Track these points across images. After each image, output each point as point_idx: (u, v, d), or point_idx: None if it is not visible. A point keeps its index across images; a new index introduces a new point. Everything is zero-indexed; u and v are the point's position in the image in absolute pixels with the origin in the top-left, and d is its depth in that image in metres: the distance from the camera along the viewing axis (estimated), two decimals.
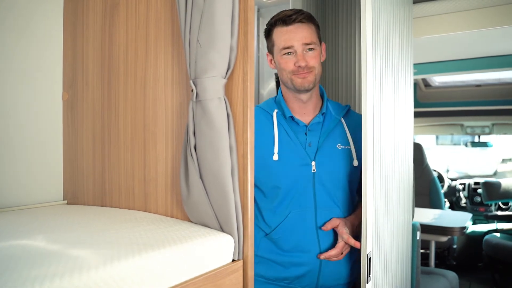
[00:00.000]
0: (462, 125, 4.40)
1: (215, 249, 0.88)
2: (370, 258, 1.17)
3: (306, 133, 1.34)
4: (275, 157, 1.29)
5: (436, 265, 3.36)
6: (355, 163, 1.35)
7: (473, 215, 3.83)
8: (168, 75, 1.05)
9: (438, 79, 4.01)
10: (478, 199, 4.25)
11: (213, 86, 0.90)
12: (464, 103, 3.95)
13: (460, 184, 4.47)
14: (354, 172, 1.36)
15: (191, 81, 0.92)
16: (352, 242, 1.24)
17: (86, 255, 0.70)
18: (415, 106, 1.88)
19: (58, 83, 1.25)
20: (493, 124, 4.23)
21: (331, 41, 1.97)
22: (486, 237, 3.40)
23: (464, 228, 2.60)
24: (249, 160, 0.94)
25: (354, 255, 1.38)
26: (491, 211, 4.09)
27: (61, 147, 1.26)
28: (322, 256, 1.27)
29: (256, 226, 1.32)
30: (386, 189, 1.32)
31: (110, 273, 0.67)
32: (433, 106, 4.09)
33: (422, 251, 3.01)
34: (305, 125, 1.34)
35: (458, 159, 5.85)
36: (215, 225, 0.94)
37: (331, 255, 1.27)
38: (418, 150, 3.83)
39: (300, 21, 1.27)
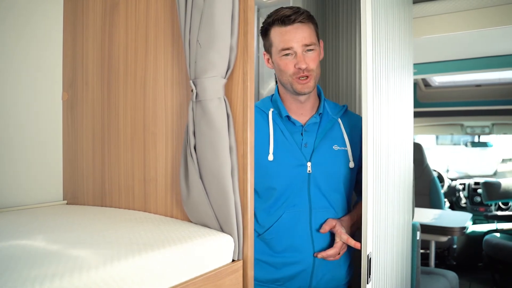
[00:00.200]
0: (462, 125, 4.40)
1: (215, 249, 0.88)
2: (370, 258, 1.16)
3: (302, 134, 1.32)
4: (270, 157, 1.28)
5: (436, 265, 3.36)
6: (351, 164, 1.33)
7: (473, 215, 3.83)
8: (168, 75, 1.05)
9: (438, 79, 4.01)
10: (478, 199, 4.25)
11: (213, 86, 0.90)
12: (464, 103, 3.95)
13: (460, 184, 4.47)
14: (350, 174, 1.35)
15: (191, 81, 0.92)
16: (352, 243, 1.24)
17: (86, 255, 0.70)
18: (415, 106, 1.88)
19: (58, 83, 1.25)
20: (493, 124, 4.23)
21: (331, 41, 1.97)
22: (486, 237, 3.40)
23: (464, 228, 2.60)
24: (249, 160, 0.94)
25: (349, 256, 1.37)
26: (491, 211, 4.09)
27: (61, 147, 1.26)
28: (319, 255, 1.26)
29: None
30: (386, 189, 1.32)
31: (110, 273, 0.67)
32: (433, 106, 4.09)
33: (422, 251, 3.01)
34: (302, 125, 1.33)
35: (458, 159, 5.85)
36: (215, 225, 0.94)
37: (328, 254, 1.26)
38: (418, 150, 3.83)
39: (299, 21, 1.25)
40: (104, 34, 1.17)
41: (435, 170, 4.33)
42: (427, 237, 2.64)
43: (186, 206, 0.97)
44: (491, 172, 5.19)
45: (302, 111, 1.35)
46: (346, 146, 1.34)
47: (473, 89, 3.88)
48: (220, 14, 0.90)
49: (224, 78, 0.93)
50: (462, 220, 2.79)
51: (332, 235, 1.30)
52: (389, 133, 1.36)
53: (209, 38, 0.90)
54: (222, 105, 0.91)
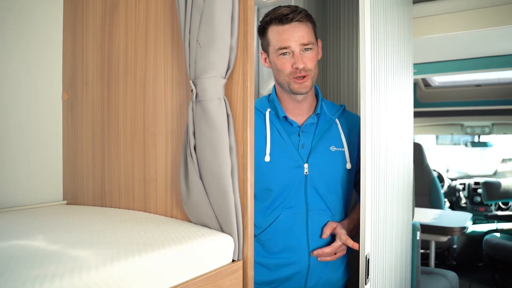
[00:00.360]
0: (462, 125, 4.40)
1: (215, 250, 0.88)
2: (368, 259, 1.16)
3: (299, 134, 1.31)
4: (267, 158, 1.27)
5: (436, 265, 3.36)
6: (348, 165, 1.32)
7: (473, 215, 3.83)
8: (168, 75, 1.05)
9: (438, 79, 4.01)
10: (478, 199, 4.25)
11: (212, 86, 0.90)
12: (464, 103, 3.95)
13: (460, 184, 4.47)
14: (347, 175, 1.34)
15: (190, 81, 0.92)
16: (351, 243, 1.23)
17: (86, 255, 0.70)
18: (415, 106, 1.88)
19: (58, 83, 1.25)
20: (493, 124, 4.23)
21: (332, 41, 1.96)
22: (486, 237, 3.40)
23: (464, 228, 2.61)
24: (249, 160, 0.94)
25: (346, 258, 1.36)
26: (491, 211, 4.09)
27: (61, 147, 1.26)
28: (315, 252, 1.26)
29: None
30: (385, 190, 1.32)
31: (110, 273, 0.67)
32: (433, 106, 4.09)
33: (422, 251, 3.01)
34: (299, 126, 1.32)
35: (458, 159, 5.85)
36: (215, 225, 0.94)
37: (324, 252, 1.25)
38: (418, 150, 3.83)
39: (297, 20, 1.23)
40: (104, 34, 1.17)
41: (435, 170, 4.33)
42: (427, 237, 2.64)
43: (186, 206, 0.97)
44: (491, 172, 5.19)
45: (299, 111, 1.34)
46: (343, 147, 1.33)
47: (473, 89, 3.88)
48: (220, 14, 0.90)
49: (224, 78, 0.93)
50: (462, 220, 2.79)
51: (329, 237, 1.29)
52: (388, 133, 1.36)
53: (209, 38, 0.90)
54: (222, 105, 0.91)
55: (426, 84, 4.04)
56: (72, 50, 1.24)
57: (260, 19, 1.33)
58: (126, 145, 1.13)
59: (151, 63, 1.08)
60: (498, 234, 3.47)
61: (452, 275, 2.35)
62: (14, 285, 0.57)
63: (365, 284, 1.15)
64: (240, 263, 0.94)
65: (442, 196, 3.88)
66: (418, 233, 1.77)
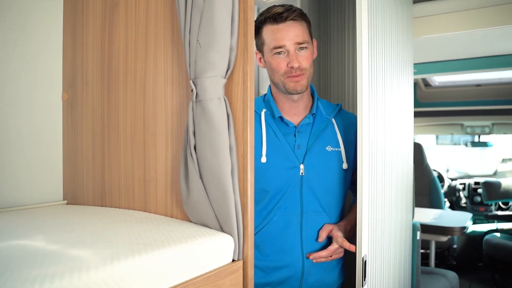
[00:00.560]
0: (462, 125, 4.40)
1: (215, 249, 0.88)
2: (365, 261, 1.15)
3: (295, 135, 1.30)
4: (263, 159, 1.26)
5: (436, 265, 3.36)
6: (345, 165, 1.31)
7: (473, 215, 3.83)
8: (168, 75, 1.05)
9: (438, 79, 4.01)
10: (478, 199, 4.25)
11: (213, 86, 0.90)
12: (464, 103, 3.94)
13: (460, 184, 4.47)
14: (343, 175, 1.32)
15: (191, 81, 0.92)
16: (347, 245, 1.22)
17: (86, 255, 0.70)
18: (415, 106, 1.88)
19: (58, 83, 1.25)
20: (493, 124, 4.23)
21: (335, 41, 1.96)
22: (486, 237, 3.40)
23: (464, 228, 2.61)
24: (249, 160, 0.94)
25: (341, 259, 1.35)
26: (491, 211, 4.09)
27: (61, 147, 1.26)
28: (311, 256, 1.25)
29: None
30: (382, 190, 1.30)
31: (110, 273, 0.67)
32: (433, 106, 4.09)
33: (422, 251, 3.01)
34: (295, 126, 1.31)
35: (458, 159, 5.85)
36: (215, 225, 0.94)
37: (320, 256, 1.24)
38: (418, 150, 3.83)
39: (292, 19, 1.22)
40: (104, 34, 1.17)
41: (435, 170, 4.33)
42: (427, 237, 2.64)
43: (186, 206, 0.97)
44: (491, 172, 5.19)
45: (295, 111, 1.33)
46: (339, 147, 1.32)
47: (473, 89, 3.88)
48: (220, 14, 0.90)
49: (224, 78, 0.93)
50: (462, 220, 2.79)
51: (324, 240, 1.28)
52: (386, 132, 1.35)
53: (209, 38, 0.90)
54: (222, 105, 0.91)
55: (426, 84, 4.04)
56: (72, 50, 1.24)
57: None
58: (126, 145, 1.13)
59: (151, 63, 1.07)
60: (498, 234, 3.47)
61: (452, 275, 2.35)
62: (14, 285, 0.57)
63: (362, 286, 1.13)
64: (240, 263, 0.94)
65: (442, 196, 3.88)
66: (418, 233, 1.77)
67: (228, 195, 0.90)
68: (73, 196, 1.24)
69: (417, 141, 4.44)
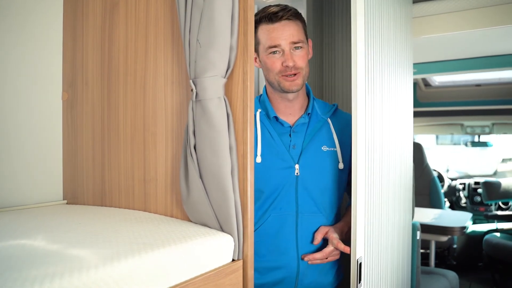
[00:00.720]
0: (462, 125, 4.40)
1: (215, 249, 0.88)
2: (360, 263, 1.13)
3: (290, 135, 1.30)
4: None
5: (436, 265, 3.36)
6: (341, 165, 1.30)
7: (473, 215, 3.83)
8: (168, 74, 1.05)
9: (438, 79, 4.01)
10: (478, 199, 4.25)
11: (213, 86, 0.90)
12: (464, 103, 3.95)
13: (460, 184, 4.47)
14: (339, 175, 1.31)
15: (190, 81, 0.92)
16: (342, 247, 1.21)
17: (86, 255, 0.70)
18: (415, 106, 1.88)
19: (58, 83, 1.25)
20: (493, 124, 4.23)
21: (340, 41, 1.96)
22: (486, 237, 3.40)
23: (464, 228, 2.61)
24: (249, 160, 0.94)
25: (337, 261, 1.34)
26: (491, 211, 4.09)
27: (61, 147, 1.26)
28: (306, 258, 1.24)
29: None
30: (380, 191, 1.29)
31: (110, 273, 0.67)
32: (433, 106, 4.09)
33: (422, 251, 3.01)
34: (290, 126, 1.30)
35: (458, 159, 5.85)
36: (215, 225, 0.94)
37: (315, 258, 1.23)
38: (418, 150, 3.83)
39: (287, 19, 1.22)
40: (104, 34, 1.17)
41: (435, 170, 4.33)
42: (427, 237, 2.64)
43: (186, 206, 0.97)
44: (491, 172, 5.19)
45: (290, 111, 1.33)
46: (335, 147, 1.31)
47: (473, 89, 3.88)
48: (220, 14, 0.90)
49: (224, 77, 0.93)
50: (462, 220, 2.79)
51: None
52: (384, 132, 1.34)
53: (209, 37, 0.90)
54: (222, 105, 0.91)
55: (426, 84, 4.04)
56: (72, 50, 1.23)
57: None
58: (126, 145, 1.13)
59: (151, 62, 1.07)
60: (498, 234, 3.47)
61: (452, 275, 2.35)
62: (14, 285, 0.57)
63: None
64: (240, 262, 0.94)
65: (442, 196, 3.88)
66: (418, 233, 1.77)
67: (228, 195, 0.90)
68: (73, 196, 1.24)
69: (417, 141, 4.44)
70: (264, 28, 1.24)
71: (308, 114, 1.32)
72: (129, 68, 1.12)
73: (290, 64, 1.22)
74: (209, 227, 0.95)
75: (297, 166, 1.27)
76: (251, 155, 0.95)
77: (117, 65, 1.14)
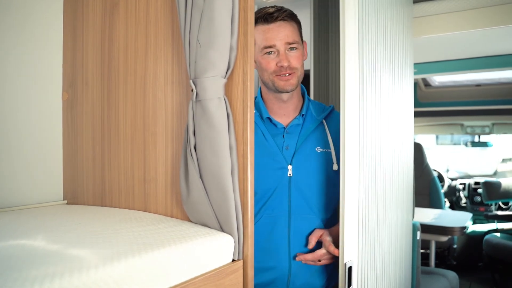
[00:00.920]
0: (462, 125, 4.40)
1: (215, 249, 0.88)
2: (350, 267, 1.10)
3: (283, 136, 1.29)
4: None
5: (436, 265, 3.37)
6: (335, 167, 1.29)
7: (473, 215, 3.83)
8: (168, 75, 1.05)
9: (438, 79, 4.01)
10: (478, 199, 4.25)
11: (213, 86, 0.90)
12: (464, 103, 3.95)
13: (460, 184, 4.47)
14: (334, 177, 1.29)
15: (191, 81, 0.92)
16: (332, 249, 1.19)
17: (86, 255, 0.70)
18: (415, 106, 1.88)
19: (58, 83, 1.25)
20: (493, 124, 4.23)
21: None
22: (486, 237, 3.40)
23: (464, 228, 2.61)
24: (249, 160, 0.94)
25: (331, 265, 1.32)
26: (491, 211, 4.09)
27: (61, 147, 1.26)
28: (298, 258, 1.24)
29: None
30: (376, 192, 1.27)
31: (109, 273, 0.67)
32: (433, 106, 4.09)
33: (422, 251, 3.01)
34: (284, 127, 1.30)
35: (458, 159, 5.85)
36: (215, 225, 0.94)
37: (306, 259, 1.23)
38: (418, 150, 3.83)
39: (282, 19, 1.23)
40: (104, 34, 1.17)
41: (435, 170, 4.33)
42: (427, 237, 2.64)
43: (186, 206, 0.97)
44: (491, 172, 5.19)
45: (285, 112, 1.32)
46: (329, 148, 1.30)
47: (473, 89, 3.88)
48: (220, 14, 0.90)
49: (224, 77, 0.93)
50: (462, 220, 2.79)
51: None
52: (381, 132, 1.32)
53: (209, 37, 0.90)
54: (222, 105, 0.91)
55: (426, 84, 4.04)
56: (72, 50, 1.24)
57: None
58: (126, 145, 1.13)
59: (151, 62, 1.07)
60: (498, 234, 3.47)
61: (452, 275, 2.35)
62: (14, 285, 0.57)
63: None
64: (240, 262, 0.94)
65: (442, 196, 3.88)
66: (418, 233, 1.77)
67: (228, 195, 0.90)
68: (73, 196, 1.24)
69: (417, 141, 4.44)
70: (259, 29, 1.25)
71: (302, 115, 1.32)
72: (129, 68, 1.12)
73: (285, 64, 1.22)
74: (209, 227, 0.95)
75: (290, 167, 1.27)
76: (251, 155, 0.95)
77: (117, 65, 1.14)
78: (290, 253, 1.26)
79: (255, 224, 1.25)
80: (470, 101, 3.91)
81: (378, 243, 1.30)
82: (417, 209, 2.13)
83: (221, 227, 0.94)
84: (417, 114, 2.25)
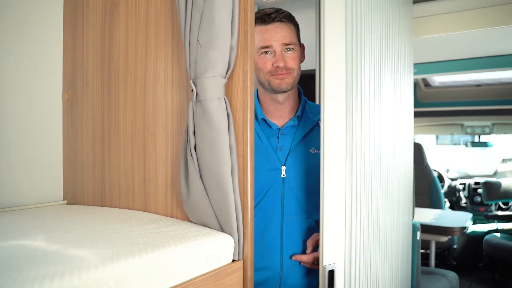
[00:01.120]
0: (462, 125, 4.40)
1: (215, 249, 0.88)
2: (332, 270, 1.03)
3: (278, 137, 1.30)
4: None
5: (436, 265, 3.36)
6: None
7: (473, 215, 3.83)
8: (168, 75, 1.05)
9: (438, 79, 4.01)
10: (478, 199, 4.25)
11: (213, 86, 0.90)
12: (464, 103, 3.95)
13: (460, 184, 4.47)
14: None
15: (191, 81, 0.92)
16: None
17: (86, 255, 0.70)
18: (415, 106, 1.88)
19: (58, 83, 1.25)
20: (493, 124, 4.23)
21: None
22: (486, 237, 3.40)
23: (464, 228, 2.60)
24: (249, 160, 0.94)
25: None
26: (491, 211, 4.09)
27: (61, 147, 1.26)
28: (293, 258, 1.24)
29: None
30: (370, 193, 1.24)
31: (109, 273, 0.67)
32: (433, 106, 4.09)
33: (422, 251, 3.01)
34: (278, 128, 1.30)
35: (458, 159, 5.85)
36: (215, 225, 0.94)
37: (301, 259, 1.23)
38: (418, 150, 3.83)
39: (279, 20, 1.23)
40: (104, 34, 1.17)
41: (435, 170, 4.32)
42: (427, 237, 2.64)
43: (186, 206, 0.97)
44: (491, 172, 5.19)
45: (280, 114, 1.32)
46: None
47: (473, 89, 3.88)
48: (220, 14, 0.90)
49: (224, 78, 0.93)
50: (462, 220, 2.79)
51: (304, 244, 1.26)
52: (375, 133, 1.29)
53: (209, 38, 0.90)
54: (222, 105, 0.91)
55: (426, 84, 4.04)
56: (72, 50, 1.24)
57: None
58: (126, 145, 1.13)
59: (151, 63, 1.07)
60: (498, 234, 3.47)
61: (452, 275, 2.35)
62: (14, 285, 0.57)
63: None
64: (240, 263, 0.94)
65: (442, 196, 3.88)
66: (418, 233, 1.77)
67: (228, 195, 0.90)
68: (73, 196, 1.24)
69: (417, 141, 4.44)
70: (257, 29, 1.25)
71: (298, 116, 1.32)
72: (129, 68, 1.12)
73: (281, 64, 1.22)
74: (209, 227, 0.95)
75: (283, 168, 1.27)
76: (251, 155, 0.95)
77: (117, 65, 1.14)
78: (282, 253, 1.26)
79: None
80: (470, 101, 3.91)
81: (372, 245, 1.26)
82: (417, 209, 2.13)
83: (221, 227, 0.94)
84: (417, 114, 2.25)
